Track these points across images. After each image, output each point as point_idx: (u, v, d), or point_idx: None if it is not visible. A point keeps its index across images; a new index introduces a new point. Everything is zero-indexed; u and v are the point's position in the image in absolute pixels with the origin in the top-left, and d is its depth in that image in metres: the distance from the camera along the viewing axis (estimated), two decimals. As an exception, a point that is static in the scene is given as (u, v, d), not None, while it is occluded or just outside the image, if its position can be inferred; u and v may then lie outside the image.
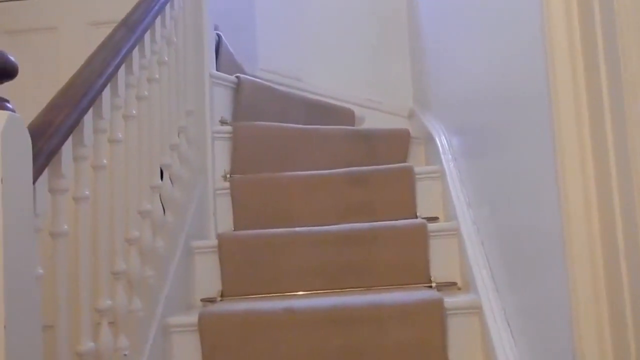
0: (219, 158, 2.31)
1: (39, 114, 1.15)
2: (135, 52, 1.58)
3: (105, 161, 1.37)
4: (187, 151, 2.01)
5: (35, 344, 0.96)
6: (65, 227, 1.16)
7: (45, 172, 1.09)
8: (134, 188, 1.57)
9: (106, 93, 1.38)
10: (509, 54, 1.35)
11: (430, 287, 1.88)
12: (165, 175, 1.83)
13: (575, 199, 0.99)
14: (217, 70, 2.47)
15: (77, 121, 1.21)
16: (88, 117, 1.28)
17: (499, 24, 1.43)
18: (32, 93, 2.07)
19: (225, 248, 1.96)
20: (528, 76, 1.20)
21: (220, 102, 2.41)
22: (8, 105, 0.96)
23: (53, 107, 1.17)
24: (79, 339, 1.24)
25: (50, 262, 1.15)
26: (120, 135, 1.48)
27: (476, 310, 1.65)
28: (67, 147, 1.17)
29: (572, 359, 0.99)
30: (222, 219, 2.22)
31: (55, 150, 1.11)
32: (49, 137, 1.10)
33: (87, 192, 1.26)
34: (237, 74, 2.56)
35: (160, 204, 1.76)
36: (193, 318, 1.69)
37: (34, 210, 1.02)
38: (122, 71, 1.49)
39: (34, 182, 1.01)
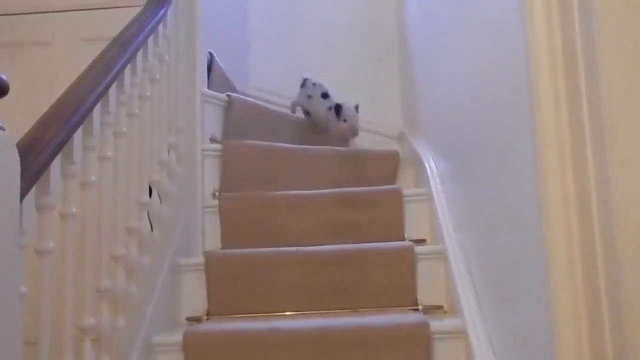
0: (209, 176, 2.31)
1: (29, 130, 1.15)
2: (127, 70, 1.59)
3: (93, 178, 1.37)
4: (176, 168, 2.02)
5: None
6: (51, 244, 1.15)
7: (33, 190, 1.08)
8: (122, 205, 1.57)
9: (97, 111, 1.39)
10: (492, 76, 1.37)
11: (417, 309, 1.88)
12: (154, 192, 1.83)
13: (557, 226, 1.00)
14: (208, 88, 2.48)
15: (67, 138, 1.22)
16: (78, 135, 1.28)
17: (483, 45, 1.46)
18: (25, 106, 2.07)
19: (212, 266, 1.95)
20: (511, 101, 1.22)
21: (211, 120, 2.41)
22: (-3, 122, 0.96)
23: (43, 123, 1.17)
24: (62, 356, 1.23)
25: (34, 279, 1.14)
26: (110, 153, 1.48)
27: (461, 334, 1.65)
28: (55, 164, 1.17)
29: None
30: (210, 236, 2.22)
31: (43, 167, 1.11)
32: (37, 153, 1.10)
33: (74, 210, 1.26)
34: (228, 93, 2.58)
35: (148, 221, 1.75)
36: (177, 337, 1.67)
37: (19, 228, 1.01)
38: (113, 89, 1.49)
39: (21, 200, 1.01)
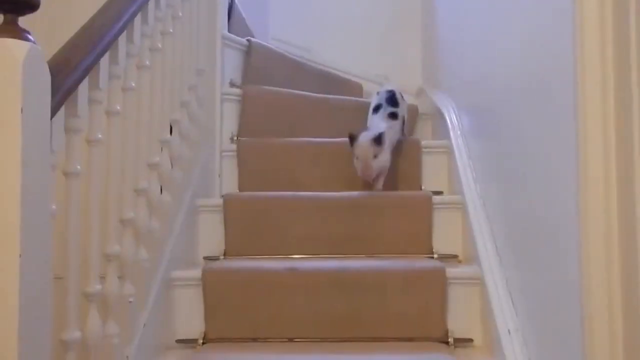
0: (227, 120, 2.30)
1: (57, 52, 1.14)
2: (151, 3, 1.57)
3: (118, 107, 1.36)
4: (196, 110, 2.01)
5: (47, 276, 0.97)
6: (79, 167, 1.16)
7: (62, 110, 1.08)
8: (145, 139, 1.57)
9: (122, 40, 1.37)
10: (533, 30, 1.33)
11: (432, 257, 1.89)
12: (174, 131, 1.83)
13: (595, 186, 0.97)
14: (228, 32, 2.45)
15: (94, 63, 1.21)
16: (104, 61, 1.27)
17: (522, 5, 1.42)
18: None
19: (230, 208, 1.96)
20: (553, 56, 1.18)
21: (230, 64, 2.39)
22: (29, 36, 0.95)
23: (71, 46, 1.16)
24: (88, 281, 1.24)
25: (61, 203, 1.15)
26: (133, 84, 1.47)
27: (477, 281, 1.66)
28: (83, 88, 1.17)
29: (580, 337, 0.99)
30: (227, 180, 2.22)
31: (72, 89, 1.11)
32: (66, 75, 1.09)
33: (100, 136, 1.26)
34: (249, 37, 2.54)
35: (169, 160, 1.75)
36: (197, 272, 1.70)
37: (50, 146, 1.01)
38: (137, 20, 1.48)
39: (51, 118, 1.01)
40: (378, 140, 1.97)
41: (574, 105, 1.02)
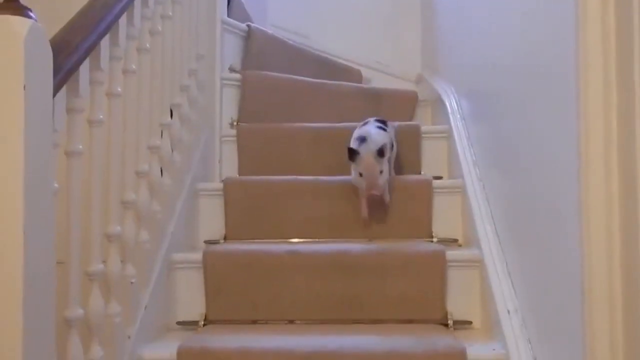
0: (227, 105, 2.30)
1: (58, 32, 1.14)
2: (151, -14, 1.57)
3: (119, 89, 1.37)
4: (196, 95, 2.01)
5: (50, 252, 0.98)
6: (80, 146, 1.16)
7: (64, 89, 1.08)
8: (145, 123, 1.57)
9: (122, 21, 1.37)
10: (532, 14, 1.33)
11: (432, 241, 1.90)
12: (175, 115, 1.83)
13: (596, 168, 0.98)
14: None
15: (95, 44, 1.21)
16: (105, 42, 1.27)
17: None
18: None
19: (230, 192, 1.96)
20: (553, 39, 1.18)
21: (230, 50, 2.39)
22: (31, 14, 0.95)
23: (72, 26, 1.16)
24: (89, 260, 1.25)
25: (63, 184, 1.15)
26: (134, 67, 1.47)
27: (477, 263, 1.67)
28: (84, 68, 1.17)
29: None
30: (227, 165, 2.23)
31: (73, 69, 1.11)
32: (67, 54, 1.09)
33: (101, 117, 1.26)
34: (248, 23, 2.54)
35: (169, 143, 1.76)
36: (197, 255, 1.71)
37: (53, 124, 1.02)
38: (138, 1, 1.48)
39: (53, 96, 1.01)
40: (381, 152, 1.76)
41: (576, 87, 1.02)
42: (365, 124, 1.96)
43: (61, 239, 1.15)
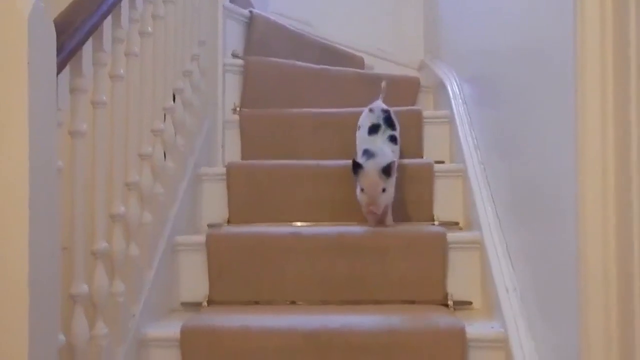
0: (229, 91, 2.31)
1: (61, 12, 1.15)
2: (152, -30, 1.58)
3: (122, 71, 1.38)
4: (198, 80, 2.02)
5: (54, 229, 0.99)
6: (84, 126, 1.18)
7: (67, 68, 1.10)
8: (148, 106, 1.59)
9: (125, 3, 1.39)
10: (532, 3, 1.34)
11: (433, 224, 1.91)
12: (177, 100, 1.85)
13: (593, 154, 0.98)
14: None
15: (98, 24, 1.22)
16: (107, 24, 1.28)
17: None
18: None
19: (233, 176, 1.98)
20: (552, 24, 1.19)
21: (232, 35, 2.40)
22: (34, -7, 0.96)
23: (74, 6, 1.17)
24: (94, 240, 1.27)
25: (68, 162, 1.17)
26: (137, 49, 1.48)
27: (477, 245, 1.69)
28: (87, 49, 1.18)
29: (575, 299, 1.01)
30: (230, 151, 2.24)
31: (76, 49, 1.12)
32: (70, 34, 1.11)
33: (104, 97, 1.28)
34: (250, 9, 2.55)
35: (172, 127, 1.77)
36: (201, 237, 1.73)
37: (56, 103, 1.03)
38: (140, -15, 1.49)
39: (57, 75, 1.02)
40: (387, 170, 1.69)
41: (573, 71, 1.02)
42: (371, 110, 1.95)
43: (66, 220, 1.17)
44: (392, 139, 1.86)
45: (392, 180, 1.73)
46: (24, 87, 0.90)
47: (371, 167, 1.71)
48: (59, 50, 1.04)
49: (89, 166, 1.25)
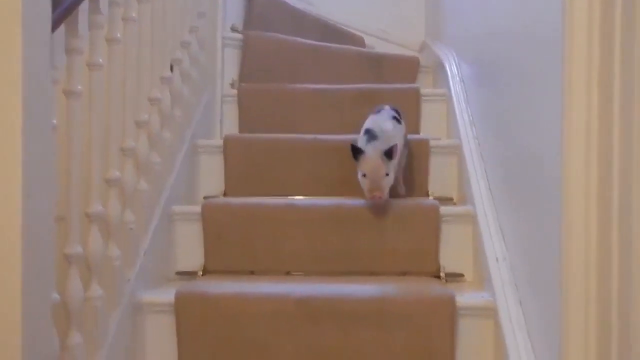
0: (228, 65, 2.32)
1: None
2: None
3: (119, 35, 1.38)
4: (197, 52, 2.02)
5: (49, 187, 1.00)
6: (80, 87, 1.18)
7: (62, 28, 1.10)
8: (145, 74, 1.59)
9: (122, -34, 1.39)
10: None
11: (428, 199, 1.92)
12: (175, 70, 1.85)
13: (578, 129, 0.99)
14: (229, -22, 2.45)
15: (94, -15, 1.22)
16: (104, -16, 1.29)
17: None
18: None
19: (230, 149, 1.99)
20: (544, 13, 1.19)
21: (232, 9, 2.40)
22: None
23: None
24: (89, 202, 1.28)
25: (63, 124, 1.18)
26: (134, 14, 1.49)
27: (470, 218, 1.70)
28: (83, 9, 1.19)
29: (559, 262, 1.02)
30: (228, 125, 2.25)
31: (72, 7, 1.13)
32: (67, -6, 1.11)
33: (100, 60, 1.28)
34: (251, -16, 2.55)
35: (169, 97, 1.78)
36: (197, 207, 1.74)
37: (51, 60, 1.04)
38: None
39: (52, 31, 1.03)
40: (389, 154, 1.63)
41: (561, 51, 1.03)
42: (378, 112, 1.83)
43: (61, 181, 1.19)
44: (396, 119, 1.80)
45: (394, 162, 1.67)
46: (17, 39, 0.90)
47: (372, 151, 1.64)
48: (55, 6, 1.05)
49: (85, 129, 1.26)
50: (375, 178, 1.64)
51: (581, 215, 0.92)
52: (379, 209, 1.70)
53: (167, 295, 1.49)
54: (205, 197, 1.96)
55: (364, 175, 1.65)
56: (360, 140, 1.72)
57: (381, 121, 1.77)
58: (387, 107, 1.87)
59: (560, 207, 0.98)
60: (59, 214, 1.18)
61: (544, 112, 1.19)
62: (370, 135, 1.70)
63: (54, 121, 1.07)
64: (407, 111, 2.22)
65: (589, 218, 0.91)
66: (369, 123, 1.78)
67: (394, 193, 1.76)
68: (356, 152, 1.66)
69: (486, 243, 1.53)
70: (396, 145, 1.67)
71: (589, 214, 0.91)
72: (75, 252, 1.19)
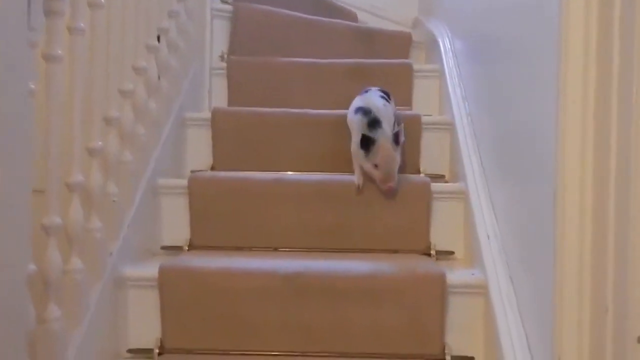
0: (217, 37, 2.26)
1: None
2: None
3: (103, 0, 1.33)
4: (185, 22, 1.97)
5: (25, 152, 0.96)
6: (60, 51, 1.13)
7: (40, -12, 1.05)
8: (130, 42, 1.54)
9: None
10: None
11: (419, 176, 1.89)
12: (162, 40, 1.80)
13: (574, 99, 0.96)
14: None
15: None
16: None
17: None
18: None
19: (218, 122, 1.94)
20: None
21: (222, -20, 2.34)
22: None
23: None
24: (70, 172, 1.24)
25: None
26: (118, -20, 1.43)
27: (461, 195, 1.67)
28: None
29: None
30: (217, 99, 2.21)
31: (52, -35, 1.07)
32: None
33: (82, 25, 1.23)
34: (241, -46, 2.48)
35: (155, 67, 1.73)
36: (183, 181, 1.70)
37: (28, 22, 0.99)
38: None
39: (28, -11, 0.98)
40: (396, 139, 1.59)
41: (558, 22, 0.99)
42: (366, 92, 1.80)
43: (40, 149, 1.14)
44: (384, 98, 1.76)
45: (400, 146, 1.62)
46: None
47: (385, 140, 1.57)
48: (32, -36, 0.99)
49: (66, 96, 1.21)
50: (390, 169, 1.59)
51: (576, 188, 0.89)
52: (389, 195, 1.64)
53: (151, 270, 1.45)
54: (192, 171, 1.91)
55: (377, 166, 1.59)
56: (359, 124, 1.65)
57: (371, 99, 1.74)
58: (374, 89, 1.83)
59: (554, 181, 0.94)
60: (39, 185, 1.14)
61: (540, 87, 1.16)
62: (365, 111, 1.67)
63: (32, 86, 1.02)
64: (399, 87, 2.19)
65: (584, 190, 0.88)
66: (358, 102, 1.75)
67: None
68: (367, 142, 1.58)
69: (478, 220, 1.51)
70: (402, 128, 1.62)
71: (584, 186, 0.88)
72: (54, 222, 1.14)
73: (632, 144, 0.82)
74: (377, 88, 1.85)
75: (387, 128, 1.63)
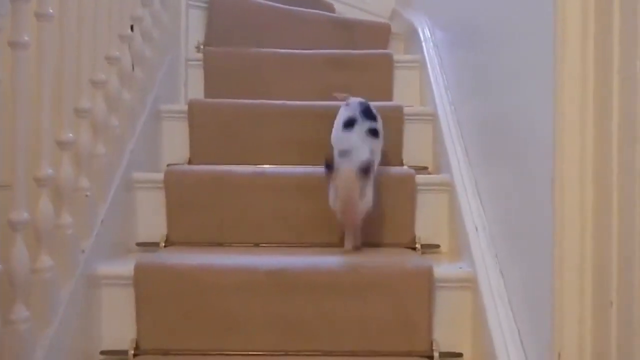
0: (193, 28, 2.20)
1: None
2: None
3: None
4: (159, 10, 1.90)
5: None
6: (27, 38, 1.06)
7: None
8: (102, 31, 1.47)
9: None
10: None
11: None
12: (136, 30, 1.73)
13: (572, 76, 0.92)
14: None
15: None
16: None
17: None
18: None
19: (195, 114, 1.88)
20: None
21: (196, -31, 2.27)
22: None
23: None
24: (38, 165, 1.17)
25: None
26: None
27: (446, 187, 1.64)
28: (29, -50, 1.07)
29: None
30: (193, 91, 2.14)
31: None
32: None
33: (50, 10, 1.16)
34: (217, -58, 2.41)
35: (129, 57, 1.66)
36: (159, 175, 1.64)
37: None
38: None
39: (-9, -30, 0.91)
40: (365, 170, 1.43)
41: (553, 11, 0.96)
42: (347, 105, 1.65)
43: (5, 141, 1.07)
44: (372, 133, 1.57)
45: (371, 180, 1.45)
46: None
47: (347, 168, 1.43)
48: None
49: (34, 86, 1.14)
50: (349, 199, 1.43)
51: (576, 170, 0.85)
52: (350, 242, 1.54)
53: (125, 267, 1.39)
54: (168, 165, 1.85)
55: (338, 197, 1.45)
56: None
57: (355, 140, 1.55)
58: (356, 101, 1.68)
59: (552, 165, 0.91)
60: (5, 180, 1.07)
61: (529, 71, 1.13)
62: (343, 154, 1.50)
63: (-5, 73, 0.95)
64: (379, 78, 2.16)
65: (584, 173, 0.84)
66: (341, 142, 1.57)
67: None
68: (329, 167, 1.46)
69: (464, 212, 1.47)
70: (372, 161, 1.49)
71: (584, 169, 0.85)
72: (22, 218, 1.08)
73: (636, 126, 0.78)
74: (359, 101, 1.67)
75: (355, 158, 1.46)
